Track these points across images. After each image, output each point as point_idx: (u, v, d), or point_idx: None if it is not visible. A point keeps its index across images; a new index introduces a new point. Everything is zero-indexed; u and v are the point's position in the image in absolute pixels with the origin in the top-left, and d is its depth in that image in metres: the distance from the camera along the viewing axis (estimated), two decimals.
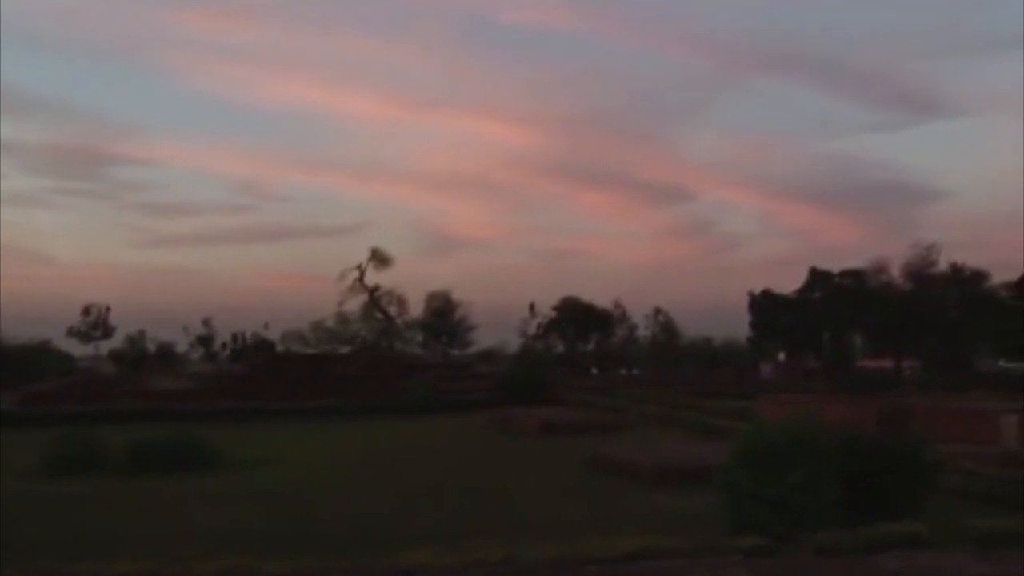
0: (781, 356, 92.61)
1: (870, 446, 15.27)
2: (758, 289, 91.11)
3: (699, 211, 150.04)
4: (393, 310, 79.07)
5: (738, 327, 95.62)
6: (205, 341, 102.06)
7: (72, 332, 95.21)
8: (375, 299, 77.40)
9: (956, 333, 78.30)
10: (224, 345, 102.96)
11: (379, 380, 49.98)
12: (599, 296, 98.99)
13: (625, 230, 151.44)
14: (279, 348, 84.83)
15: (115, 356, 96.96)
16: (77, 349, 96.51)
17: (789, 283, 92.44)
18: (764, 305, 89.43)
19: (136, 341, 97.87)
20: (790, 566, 11.09)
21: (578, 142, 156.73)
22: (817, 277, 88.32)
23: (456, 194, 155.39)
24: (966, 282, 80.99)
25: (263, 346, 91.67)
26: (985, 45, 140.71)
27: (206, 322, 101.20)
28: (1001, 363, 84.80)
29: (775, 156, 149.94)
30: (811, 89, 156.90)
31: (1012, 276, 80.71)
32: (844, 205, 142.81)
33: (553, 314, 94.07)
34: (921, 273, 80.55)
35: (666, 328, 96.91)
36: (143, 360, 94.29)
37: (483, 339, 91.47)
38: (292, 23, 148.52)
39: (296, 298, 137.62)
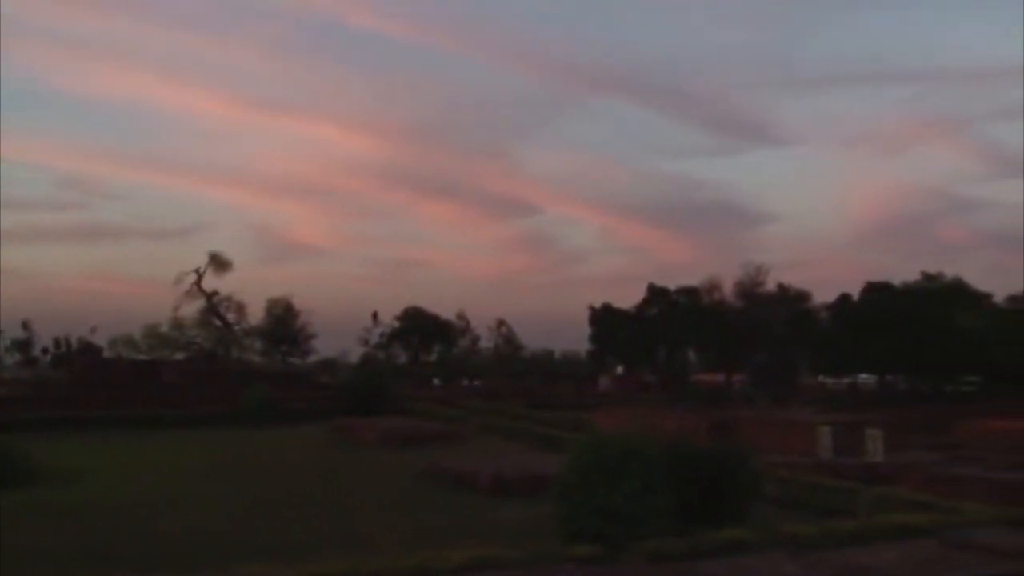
0: (619, 369, 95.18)
1: (700, 456, 15.87)
2: (598, 303, 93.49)
3: (542, 225, 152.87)
4: (232, 316, 76.65)
5: (579, 340, 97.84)
6: (23, 345, 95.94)
7: None
8: (213, 305, 74.82)
9: (782, 349, 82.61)
10: (45, 350, 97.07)
11: (215, 388, 48.27)
12: (443, 307, 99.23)
13: (469, 242, 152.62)
14: (107, 354, 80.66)
15: None
16: None
17: (628, 298, 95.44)
18: (604, 319, 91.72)
19: None
20: (622, 573, 11.38)
21: (422, 152, 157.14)
22: (655, 293, 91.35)
23: (298, 200, 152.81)
24: (791, 301, 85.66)
25: (89, 351, 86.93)
26: (812, 80, 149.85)
27: (25, 325, 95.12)
28: (820, 378, 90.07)
29: (616, 174, 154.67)
30: (651, 111, 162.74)
31: (830, 296, 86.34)
32: (681, 224, 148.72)
33: (396, 324, 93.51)
34: (751, 292, 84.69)
35: (509, 340, 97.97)
36: None
37: (324, 348, 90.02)
38: (130, 14, 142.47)
39: (127, 302, 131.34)
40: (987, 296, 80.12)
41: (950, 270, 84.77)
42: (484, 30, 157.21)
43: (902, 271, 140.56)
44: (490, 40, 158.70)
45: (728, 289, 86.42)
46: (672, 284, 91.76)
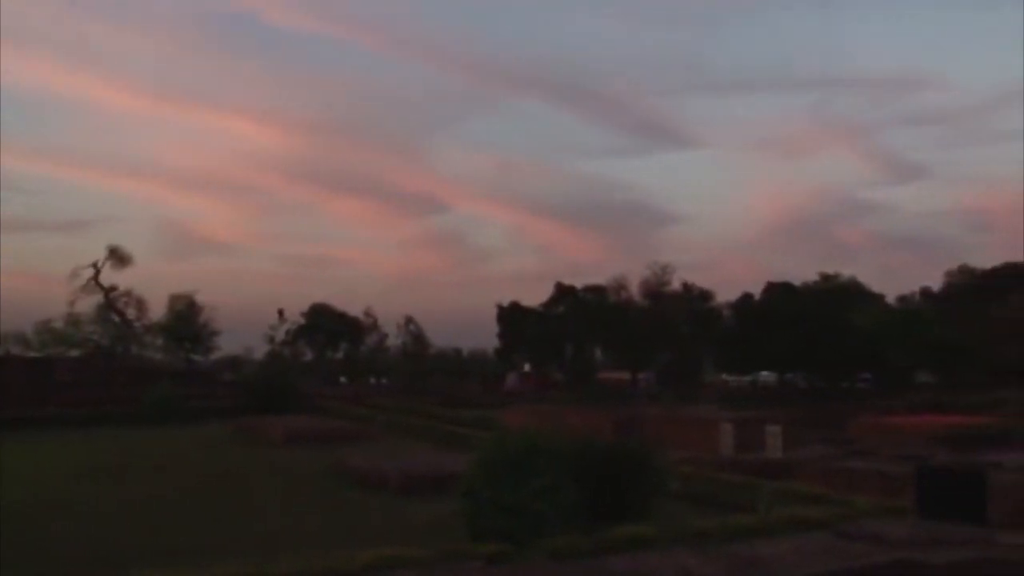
0: (526, 367, 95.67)
1: (606, 453, 16.14)
2: (507, 301, 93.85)
3: (451, 223, 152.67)
4: (131, 312, 74.28)
5: (487, 338, 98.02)
6: None
7: None
8: (111, 300, 72.48)
9: (686, 348, 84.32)
10: None
11: (114, 387, 46.86)
12: (350, 304, 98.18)
13: (378, 239, 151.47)
14: None
15: None
16: None
17: (536, 297, 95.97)
18: (512, 317, 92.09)
19: None
20: (526, 570, 11.50)
21: (333, 148, 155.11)
22: (562, 292, 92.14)
23: (202, 194, 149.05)
24: (695, 300, 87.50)
25: None
26: (722, 84, 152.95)
27: None
28: (723, 376, 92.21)
29: (525, 173, 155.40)
30: (561, 111, 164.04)
31: (733, 296, 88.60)
32: (589, 224, 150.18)
33: (302, 321, 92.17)
34: (656, 291, 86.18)
35: (416, 338, 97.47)
36: None
37: (228, 345, 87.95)
38: None
39: (18, 297, 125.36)
40: (880, 296, 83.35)
41: (846, 271, 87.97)
42: (398, 27, 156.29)
43: (802, 271, 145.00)
44: (404, 37, 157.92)
45: (634, 288, 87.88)
46: (580, 283, 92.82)
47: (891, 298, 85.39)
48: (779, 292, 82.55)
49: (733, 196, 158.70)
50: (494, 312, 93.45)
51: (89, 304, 72.14)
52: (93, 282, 71.19)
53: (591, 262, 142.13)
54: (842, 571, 11.74)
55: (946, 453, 29.50)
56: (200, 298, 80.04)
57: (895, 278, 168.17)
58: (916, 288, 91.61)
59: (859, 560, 12.19)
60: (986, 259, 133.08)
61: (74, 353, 70.66)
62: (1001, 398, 50.79)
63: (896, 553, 12.57)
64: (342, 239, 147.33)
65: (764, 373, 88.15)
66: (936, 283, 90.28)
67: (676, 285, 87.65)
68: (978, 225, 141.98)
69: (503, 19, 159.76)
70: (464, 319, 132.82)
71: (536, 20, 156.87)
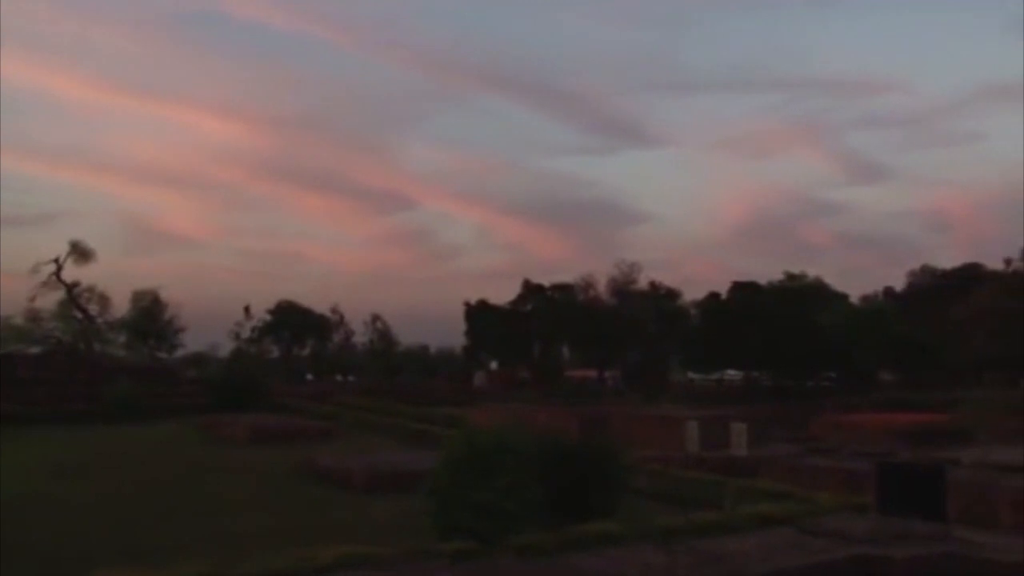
0: (494, 365, 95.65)
1: (572, 451, 16.19)
2: (474, 299, 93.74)
3: (419, 220, 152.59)
4: (94, 309, 73.33)
5: (454, 336, 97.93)
6: None
7: None
8: (74, 296, 71.52)
9: (653, 346, 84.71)
10: None
11: (75, 384, 46.22)
12: (317, 301, 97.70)
13: (345, 235, 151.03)
14: None
15: None
16: None
17: (504, 295, 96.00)
18: (479, 315, 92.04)
19: None
20: (492, 568, 11.51)
21: (300, 144, 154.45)
22: (530, 290, 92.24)
23: (166, 189, 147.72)
24: (662, 299, 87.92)
25: None
26: (688, 83, 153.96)
27: None
28: (689, 375, 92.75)
29: (493, 171, 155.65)
30: (528, 109, 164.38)
31: (700, 295, 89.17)
32: (556, 222, 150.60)
33: (268, 318, 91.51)
34: (624, 290, 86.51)
35: (384, 335, 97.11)
36: None
37: (193, 342, 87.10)
38: None
39: None
40: (844, 296, 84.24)
41: (811, 271, 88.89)
42: (365, 23, 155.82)
43: (767, 271, 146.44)
44: (371, 33, 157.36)
45: (602, 287, 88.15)
46: (547, 281, 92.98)
47: (854, 298, 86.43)
48: (745, 291, 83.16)
49: (699, 195, 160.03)
50: (462, 310, 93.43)
51: (50, 300, 71.15)
52: (54, 278, 70.19)
53: (558, 260, 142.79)
54: (805, 566, 11.88)
55: (907, 450, 29.93)
56: (164, 294, 79.34)
57: (858, 278, 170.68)
58: (879, 288, 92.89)
59: (822, 555, 12.33)
60: (947, 259, 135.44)
61: (35, 350, 69.67)
62: (960, 396, 51.59)
63: (857, 548, 12.73)
64: (308, 235, 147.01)
65: (730, 372, 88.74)
66: (898, 283, 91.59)
67: (643, 284, 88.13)
68: (939, 226, 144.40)
69: (471, 17, 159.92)
70: (432, 317, 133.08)
71: (504, 18, 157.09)
